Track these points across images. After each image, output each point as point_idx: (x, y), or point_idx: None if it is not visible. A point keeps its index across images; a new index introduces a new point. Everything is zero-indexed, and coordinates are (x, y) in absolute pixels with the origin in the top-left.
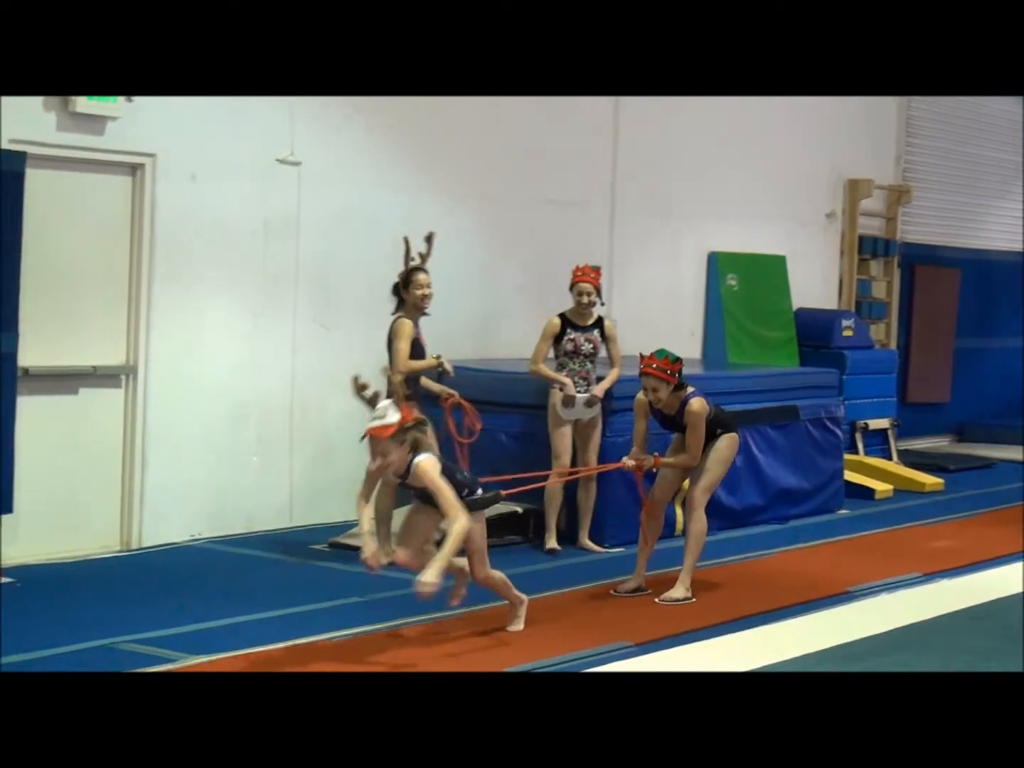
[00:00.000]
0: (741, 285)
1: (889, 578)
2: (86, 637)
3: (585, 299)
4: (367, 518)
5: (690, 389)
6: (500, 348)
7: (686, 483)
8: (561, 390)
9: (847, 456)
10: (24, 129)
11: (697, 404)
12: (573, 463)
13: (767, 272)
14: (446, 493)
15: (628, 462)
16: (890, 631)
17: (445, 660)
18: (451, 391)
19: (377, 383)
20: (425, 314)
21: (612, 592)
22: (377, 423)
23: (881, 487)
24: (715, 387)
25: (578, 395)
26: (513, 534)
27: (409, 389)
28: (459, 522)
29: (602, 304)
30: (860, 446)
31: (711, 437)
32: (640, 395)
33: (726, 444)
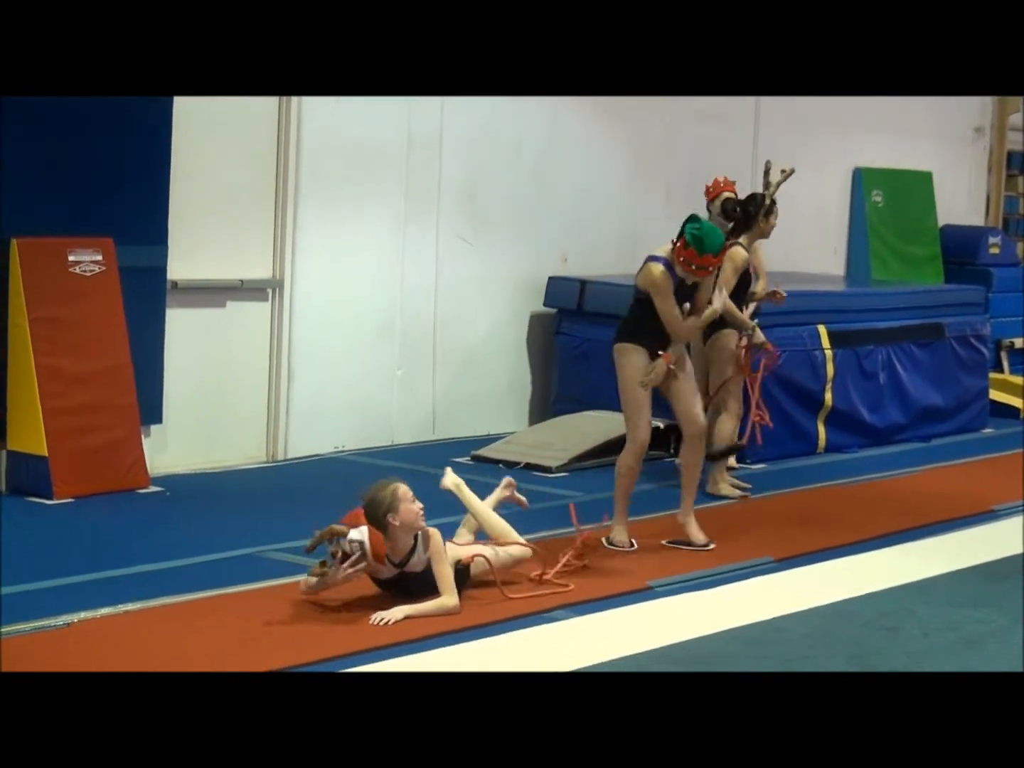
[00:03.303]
0: (886, 201)
1: None
2: (232, 546)
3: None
4: None
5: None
6: None
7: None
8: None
9: (992, 375)
10: None
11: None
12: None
13: (913, 188)
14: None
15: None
16: None
17: (579, 576)
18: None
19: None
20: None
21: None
22: None
23: None
24: (859, 304)
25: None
26: (654, 448)
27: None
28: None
29: None
30: (1005, 364)
31: None
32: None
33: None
